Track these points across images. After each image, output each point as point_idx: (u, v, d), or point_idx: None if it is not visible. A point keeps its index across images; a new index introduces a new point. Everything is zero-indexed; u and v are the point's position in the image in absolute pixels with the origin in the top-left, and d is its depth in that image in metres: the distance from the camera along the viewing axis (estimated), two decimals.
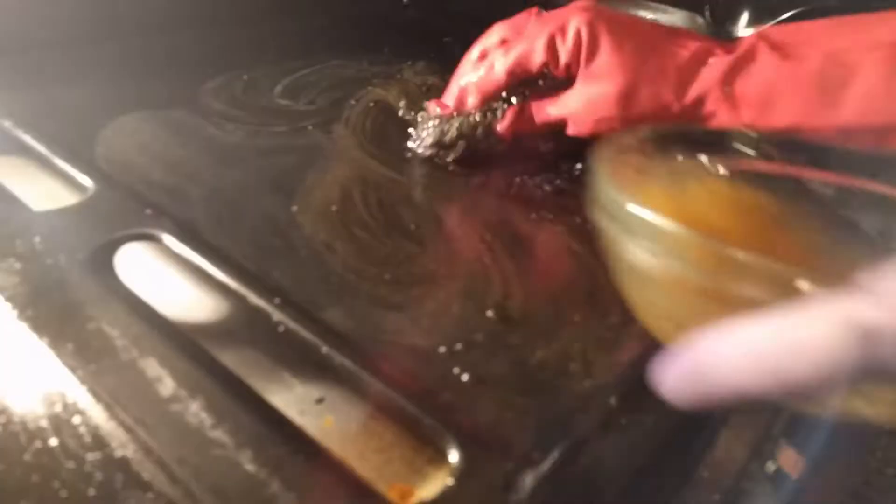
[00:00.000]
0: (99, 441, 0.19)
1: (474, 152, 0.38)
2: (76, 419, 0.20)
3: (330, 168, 0.37)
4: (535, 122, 0.38)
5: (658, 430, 0.21)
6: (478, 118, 0.38)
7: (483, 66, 0.38)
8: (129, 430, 0.19)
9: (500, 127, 0.38)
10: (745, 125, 0.32)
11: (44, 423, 0.20)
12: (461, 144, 0.38)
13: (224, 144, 0.38)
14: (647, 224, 0.18)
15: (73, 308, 0.24)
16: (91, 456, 0.19)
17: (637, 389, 0.23)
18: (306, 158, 0.38)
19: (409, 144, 0.39)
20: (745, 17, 0.53)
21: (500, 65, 0.37)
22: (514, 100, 0.38)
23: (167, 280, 0.28)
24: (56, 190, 0.33)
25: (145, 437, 0.19)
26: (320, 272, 0.28)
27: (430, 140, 0.38)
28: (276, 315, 0.25)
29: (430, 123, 0.38)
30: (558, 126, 0.37)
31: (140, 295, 0.25)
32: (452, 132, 0.38)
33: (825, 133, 0.31)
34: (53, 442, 0.19)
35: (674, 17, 0.58)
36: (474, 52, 0.39)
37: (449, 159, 0.38)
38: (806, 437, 0.28)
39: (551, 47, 0.35)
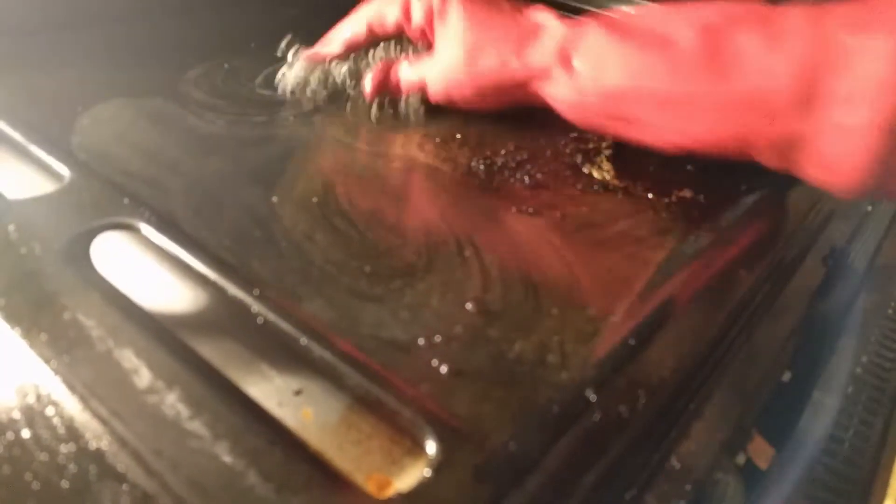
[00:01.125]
0: (73, 433, 0.19)
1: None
2: (49, 410, 0.20)
3: (311, 159, 0.37)
4: (398, 85, 0.40)
5: (632, 421, 0.22)
6: (341, 70, 0.42)
7: (348, 19, 0.41)
8: (104, 421, 0.19)
9: (365, 84, 0.41)
10: (580, 87, 0.35)
11: (16, 415, 0.19)
12: (320, 90, 0.42)
13: (204, 134, 0.38)
14: None
15: (48, 298, 0.23)
16: (65, 448, 0.19)
17: (613, 381, 0.23)
18: (287, 149, 0.38)
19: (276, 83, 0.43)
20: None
21: (362, 16, 0.41)
22: (376, 56, 0.41)
23: (144, 270, 0.28)
24: (31, 178, 0.32)
25: (120, 428, 0.19)
26: (300, 264, 0.28)
27: (291, 81, 0.42)
28: (255, 306, 0.25)
29: (296, 66, 0.42)
30: (419, 90, 0.40)
31: (117, 285, 0.25)
32: (315, 77, 0.42)
33: (643, 97, 0.34)
34: (26, 433, 0.19)
35: None
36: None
37: (307, 102, 0.42)
38: (777, 428, 0.28)
39: (406, 8, 0.39)
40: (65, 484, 0.18)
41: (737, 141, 0.33)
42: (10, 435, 0.19)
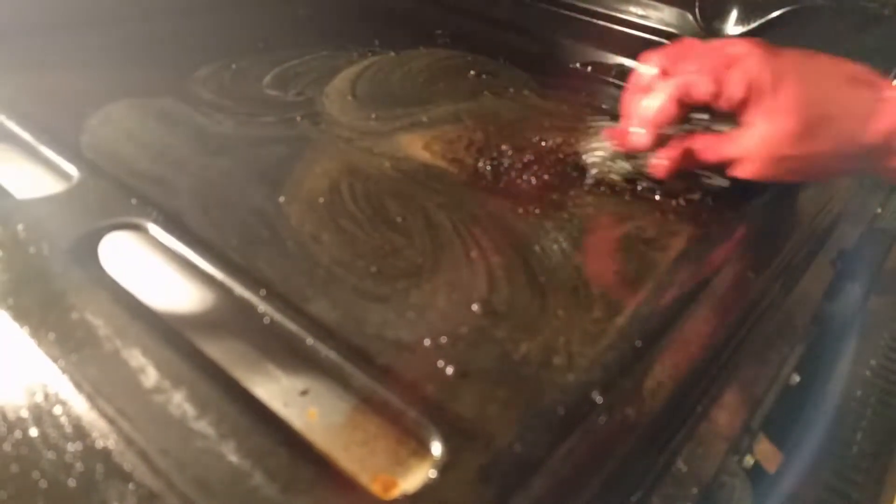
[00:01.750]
0: (80, 431, 0.19)
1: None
2: (57, 409, 0.20)
3: (318, 159, 0.37)
4: (701, 160, 0.36)
5: (638, 423, 0.22)
6: (645, 159, 0.37)
7: (649, 97, 0.36)
8: (110, 420, 0.19)
9: (662, 166, 0.36)
10: None
11: (24, 413, 0.19)
12: (622, 178, 0.37)
13: (212, 134, 0.38)
14: None
15: (56, 297, 0.24)
16: (72, 446, 0.19)
17: (619, 383, 0.23)
18: (294, 149, 0.38)
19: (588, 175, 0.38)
20: (733, 15, 0.54)
21: (666, 92, 0.35)
22: (671, 133, 0.36)
23: (152, 270, 0.28)
24: (40, 178, 0.33)
25: (127, 427, 0.19)
26: (306, 264, 0.28)
27: (595, 171, 0.37)
28: (262, 306, 0.25)
29: (600, 154, 0.38)
30: (723, 166, 0.36)
31: (124, 285, 0.25)
32: (618, 169, 0.37)
33: None
34: (34, 432, 0.19)
35: (663, 14, 0.58)
36: (636, 84, 0.37)
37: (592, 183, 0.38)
38: (783, 431, 0.28)
39: (719, 79, 0.34)
40: (72, 482, 0.18)
41: None
42: (18, 433, 0.19)
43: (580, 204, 0.35)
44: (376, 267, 0.28)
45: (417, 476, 0.20)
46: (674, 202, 0.36)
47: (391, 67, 0.52)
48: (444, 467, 0.19)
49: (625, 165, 0.37)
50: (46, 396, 0.20)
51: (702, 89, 0.34)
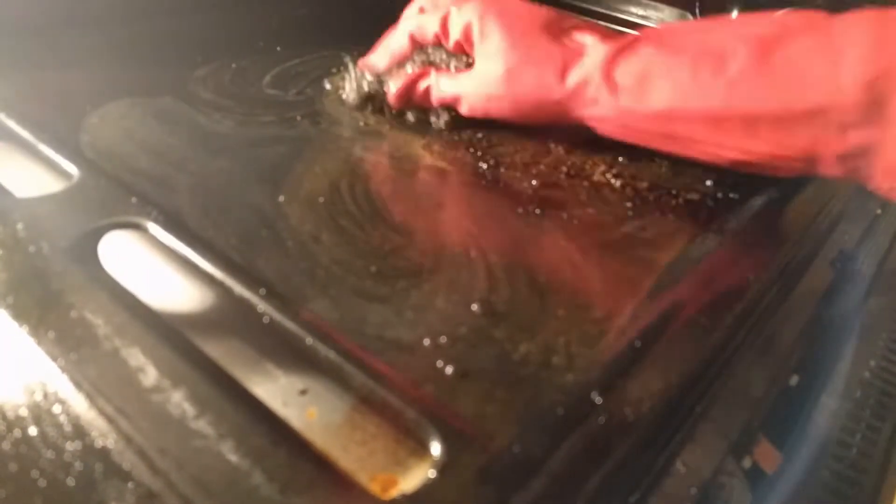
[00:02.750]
0: (79, 430, 0.19)
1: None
2: (56, 408, 0.20)
3: (318, 159, 0.37)
4: (429, 98, 0.40)
5: (637, 424, 0.22)
6: (382, 80, 0.41)
7: (393, 31, 0.41)
8: (110, 419, 0.19)
9: (391, 93, 0.40)
10: (624, 109, 0.34)
11: (23, 412, 0.19)
12: (376, 100, 0.42)
13: (212, 134, 0.38)
14: None
15: (56, 296, 0.24)
16: (71, 446, 0.19)
17: (618, 384, 0.23)
18: (294, 149, 0.38)
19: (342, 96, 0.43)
20: (734, 16, 0.54)
21: (405, 27, 0.40)
22: (411, 68, 0.41)
23: (152, 269, 0.28)
24: (40, 176, 0.33)
25: (126, 427, 0.19)
26: (306, 263, 0.28)
27: (351, 94, 0.42)
28: (261, 306, 0.25)
29: (349, 77, 0.42)
30: (452, 104, 0.39)
31: (124, 284, 0.25)
32: (364, 88, 0.42)
33: (693, 118, 0.33)
34: (33, 431, 0.19)
35: (663, 14, 0.58)
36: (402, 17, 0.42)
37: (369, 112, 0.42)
38: (782, 432, 0.28)
39: (444, 22, 0.38)
40: (71, 482, 0.18)
41: (803, 155, 0.31)
42: (17, 432, 0.19)
43: (580, 204, 0.35)
44: (376, 267, 0.28)
45: (416, 476, 0.20)
46: (673, 202, 0.36)
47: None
48: (444, 467, 0.19)
49: (365, 87, 0.42)
50: (45, 395, 0.20)
51: (429, 28, 0.39)
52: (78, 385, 0.20)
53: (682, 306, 0.28)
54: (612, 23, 0.61)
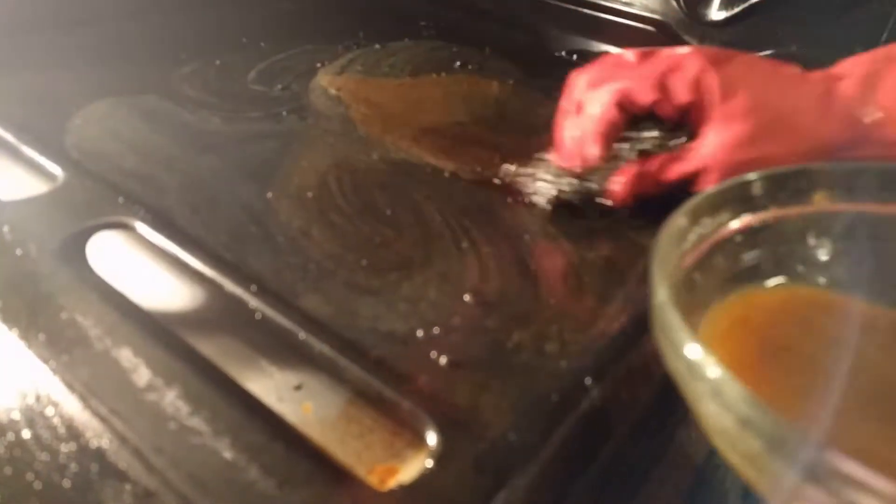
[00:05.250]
0: (73, 432, 0.19)
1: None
2: (49, 410, 0.20)
3: (305, 154, 0.37)
4: (660, 182, 0.34)
5: (631, 408, 0.22)
6: (597, 180, 0.34)
7: (587, 107, 0.34)
8: (103, 420, 0.19)
9: (617, 191, 0.33)
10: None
11: (16, 416, 0.19)
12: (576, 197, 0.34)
13: (198, 131, 0.38)
14: (714, 383, 0.16)
15: (45, 298, 0.23)
16: (65, 447, 0.19)
17: (612, 370, 0.23)
18: (281, 145, 0.38)
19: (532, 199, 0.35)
20: (716, 1, 0.54)
21: (604, 99, 0.33)
22: (625, 155, 0.34)
23: (141, 269, 0.28)
24: (25, 179, 0.32)
25: (121, 426, 0.19)
26: (297, 259, 0.28)
27: (547, 195, 0.34)
28: (253, 302, 0.25)
29: (549, 176, 0.34)
30: (685, 182, 0.33)
31: (113, 284, 0.25)
32: (572, 189, 0.34)
33: None
34: (26, 434, 0.19)
35: (647, 1, 0.58)
36: (568, 104, 0.35)
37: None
38: None
39: (663, 85, 0.32)
40: (66, 483, 0.18)
41: None
42: (10, 436, 0.19)
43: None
44: (367, 260, 0.28)
45: (413, 466, 0.20)
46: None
47: (376, 60, 0.52)
48: (440, 457, 0.19)
49: (573, 183, 0.34)
50: (38, 398, 0.20)
51: (643, 94, 0.32)
52: (70, 386, 0.20)
53: None
54: (595, 10, 0.61)
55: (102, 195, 0.30)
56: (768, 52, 0.51)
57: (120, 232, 0.28)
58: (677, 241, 0.21)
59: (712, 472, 0.24)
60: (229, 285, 0.25)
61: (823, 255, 0.24)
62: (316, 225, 0.30)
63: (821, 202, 0.23)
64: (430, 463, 0.19)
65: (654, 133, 0.34)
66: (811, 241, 0.24)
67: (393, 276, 0.27)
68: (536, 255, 0.30)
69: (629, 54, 0.34)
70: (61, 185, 0.30)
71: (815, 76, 0.32)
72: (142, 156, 0.34)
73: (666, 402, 0.23)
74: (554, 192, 0.34)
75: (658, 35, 0.57)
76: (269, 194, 0.32)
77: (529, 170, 0.35)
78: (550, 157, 0.35)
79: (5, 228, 0.27)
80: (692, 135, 0.33)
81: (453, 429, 0.20)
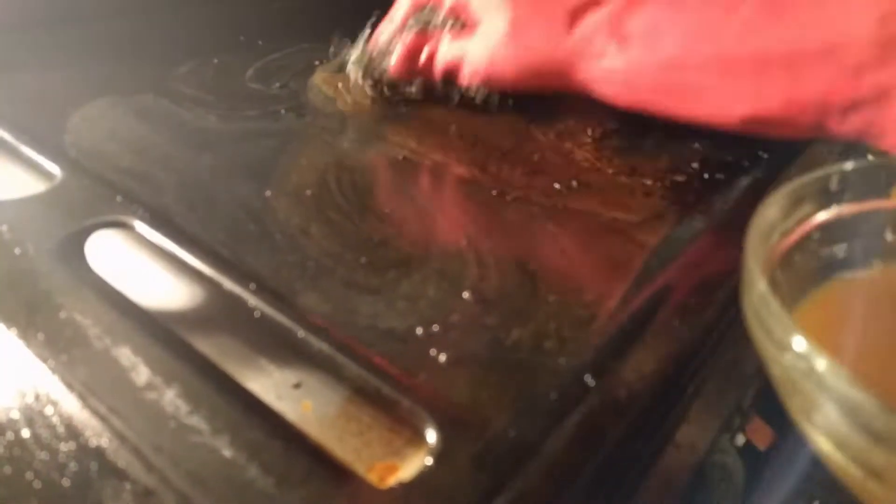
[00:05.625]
0: (72, 431, 0.19)
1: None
2: (48, 410, 0.19)
3: (303, 152, 0.37)
4: (431, 67, 0.38)
5: (631, 405, 0.22)
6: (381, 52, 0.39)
7: None
8: (103, 419, 0.19)
9: (393, 64, 0.38)
10: (635, 60, 0.33)
11: (15, 415, 0.19)
12: (378, 76, 0.39)
13: (195, 130, 0.38)
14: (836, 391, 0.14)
15: (43, 298, 0.23)
16: (65, 446, 0.19)
17: (611, 366, 0.23)
18: (279, 143, 0.38)
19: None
20: None
21: None
22: (410, 28, 0.39)
23: (140, 268, 0.28)
24: (22, 178, 0.32)
25: (120, 425, 0.19)
26: (295, 257, 0.28)
27: (355, 70, 0.40)
28: (252, 301, 0.25)
29: (356, 52, 0.40)
30: (454, 72, 0.38)
31: (112, 283, 0.25)
32: (372, 67, 0.39)
33: (706, 63, 0.32)
34: (26, 433, 0.19)
35: None
36: None
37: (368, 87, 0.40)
38: (775, 409, 0.28)
39: None
40: (66, 482, 0.18)
41: (814, 104, 0.30)
42: (9, 435, 0.19)
43: (567, 190, 0.35)
44: (366, 258, 0.28)
45: (413, 464, 0.20)
46: (660, 184, 0.36)
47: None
48: (440, 454, 0.19)
49: (369, 59, 0.39)
50: (37, 397, 0.20)
51: None
52: (69, 386, 0.20)
53: (672, 287, 0.28)
54: None
55: (100, 194, 0.30)
56: None
57: (118, 231, 0.28)
58: (768, 233, 0.21)
59: (712, 468, 0.24)
60: (228, 283, 0.25)
61: None
62: (314, 223, 0.30)
63: None
64: (429, 460, 0.19)
65: (441, 20, 0.38)
66: (888, 236, 0.23)
67: (392, 273, 0.27)
68: (536, 253, 0.30)
69: None
70: (59, 184, 0.30)
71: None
72: (140, 154, 0.34)
73: (665, 399, 0.23)
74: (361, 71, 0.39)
75: None
76: (268, 192, 0.32)
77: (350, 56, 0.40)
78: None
79: (3, 228, 0.27)
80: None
81: (453, 426, 0.20)
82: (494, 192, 0.34)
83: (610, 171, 0.37)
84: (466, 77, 0.37)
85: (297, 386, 0.23)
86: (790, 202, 0.22)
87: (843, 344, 0.20)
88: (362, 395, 0.22)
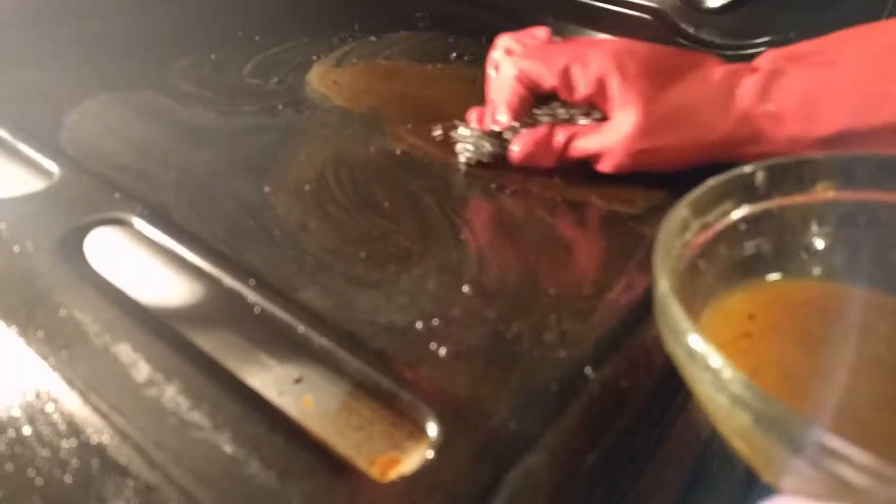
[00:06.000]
0: (74, 428, 0.19)
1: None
2: (49, 407, 0.20)
3: (302, 147, 0.37)
4: (560, 153, 0.35)
5: (631, 396, 0.22)
6: (506, 136, 0.36)
7: (499, 76, 0.36)
8: (104, 415, 0.19)
9: (515, 151, 0.35)
10: (791, 139, 0.31)
11: (16, 413, 0.19)
12: (494, 157, 0.36)
13: (193, 126, 0.38)
14: (713, 370, 0.16)
15: (43, 295, 0.23)
16: (66, 443, 0.19)
17: (611, 358, 0.23)
18: (278, 138, 0.37)
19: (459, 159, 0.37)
20: None
21: (509, 71, 0.35)
22: (538, 120, 0.36)
23: (139, 264, 0.28)
24: (21, 176, 0.32)
25: (121, 422, 0.19)
26: (295, 252, 0.28)
27: (467, 156, 0.36)
28: (252, 297, 0.25)
29: (468, 137, 0.36)
30: (587, 160, 0.35)
31: (111, 280, 0.25)
32: (486, 148, 0.36)
33: (877, 135, 0.29)
34: (27, 430, 0.19)
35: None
36: (489, 65, 0.38)
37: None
38: None
39: (565, 76, 0.34)
40: (68, 479, 0.18)
41: None
42: (11, 432, 0.19)
43: (566, 182, 0.35)
44: (365, 253, 0.28)
45: (414, 458, 0.20)
46: (658, 175, 0.36)
47: (372, 52, 0.52)
48: (441, 448, 0.19)
49: (488, 146, 0.36)
50: (38, 394, 0.20)
51: (545, 79, 0.34)
52: (70, 383, 0.20)
53: None
54: None
55: (99, 191, 0.30)
56: (765, 39, 0.51)
57: (117, 228, 0.28)
58: (679, 232, 0.21)
59: (710, 458, 0.24)
60: (228, 280, 0.25)
61: (825, 244, 0.24)
62: (314, 218, 0.30)
63: (823, 191, 0.24)
64: (430, 454, 0.19)
65: (569, 108, 0.36)
66: (814, 229, 0.24)
67: (391, 268, 0.27)
68: (535, 246, 0.30)
69: (547, 35, 0.37)
70: (58, 182, 0.30)
71: (718, 71, 0.33)
72: (138, 151, 0.34)
73: (666, 389, 0.23)
74: (471, 152, 0.36)
75: (654, 23, 0.57)
76: (267, 188, 0.32)
77: (456, 132, 0.37)
78: (473, 119, 0.37)
79: (2, 226, 0.27)
80: (604, 117, 0.35)
81: (454, 419, 0.20)
82: (494, 186, 0.34)
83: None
84: (606, 167, 0.35)
85: (297, 381, 0.23)
86: (712, 198, 0.22)
87: (741, 341, 0.21)
88: (363, 389, 0.22)
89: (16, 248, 0.25)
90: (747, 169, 0.23)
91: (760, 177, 0.23)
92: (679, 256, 0.21)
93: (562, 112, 0.36)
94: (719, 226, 0.23)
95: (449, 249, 0.29)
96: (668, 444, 0.22)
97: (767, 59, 0.33)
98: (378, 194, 0.33)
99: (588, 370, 0.22)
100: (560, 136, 0.35)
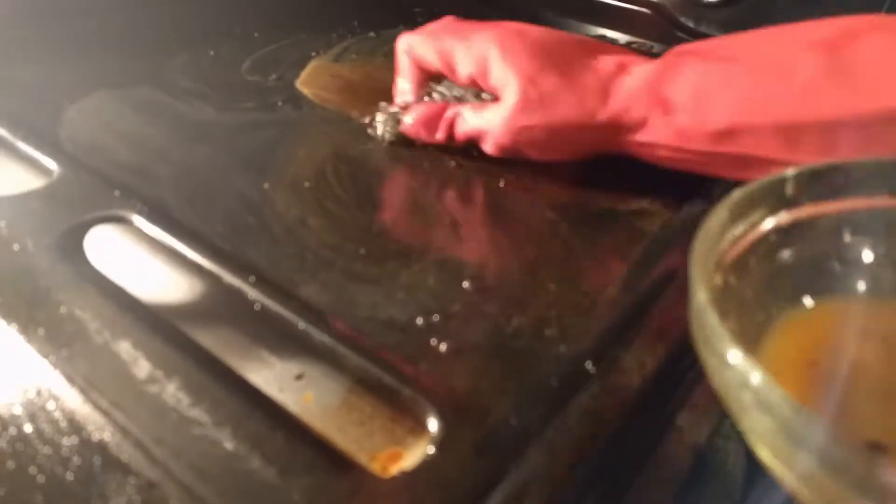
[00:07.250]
0: (75, 425, 0.19)
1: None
2: (50, 405, 0.20)
3: (301, 143, 0.37)
4: (449, 133, 0.36)
5: (633, 390, 0.22)
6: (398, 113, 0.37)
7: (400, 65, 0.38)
8: (105, 413, 0.19)
9: (407, 122, 0.37)
10: (680, 130, 0.31)
11: (17, 410, 0.19)
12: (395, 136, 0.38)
13: (192, 122, 0.38)
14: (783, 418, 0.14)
15: (43, 293, 0.23)
16: (67, 441, 0.19)
17: (611, 353, 0.23)
18: (277, 135, 0.37)
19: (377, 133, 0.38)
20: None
21: (400, 46, 0.37)
22: (431, 97, 0.37)
23: (139, 262, 0.28)
24: (20, 174, 0.32)
25: (122, 419, 0.19)
26: (295, 249, 0.28)
27: (382, 130, 0.37)
28: (252, 293, 0.25)
29: (386, 114, 0.38)
30: (475, 140, 0.36)
31: (111, 278, 0.25)
32: (397, 125, 0.37)
33: (763, 131, 0.29)
34: (28, 428, 0.19)
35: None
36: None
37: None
38: None
39: (446, 58, 0.35)
40: (69, 476, 0.18)
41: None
42: (12, 430, 0.19)
43: (565, 176, 0.35)
44: (365, 249, 0.28)
45: (415, 453, 0.20)
46: (658, 170, 0.36)
47: (371, 48, 0.52)
48: (442, 443, 0.19)
49: (397, 123, 0.37)
50: (39, 392, 0.20)
51: (429, 58, 0.35)
52: (71, 380, 0.20)
53: (672, 273, 0.28)
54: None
55: (98, 189, 0.29)
56: None
57: (117, 225, 0.28)
58: (715, 241, 0.20)
59: (713, 453, 0.24)
60: (227, 276, 0.25)
61: (860, 253, 0.23)
62: (313, 214, 0.30)
63: (856, 199, 0.22)
64: (431, 449, 0.19)
65: (467, 87, 0.36)
66: (847, 238, 0.23)
67: (391, 264, 0.27)
68: (535, 241, 0.29)
69: (453, 22, 0.38)
70: (57, 180, 0.30)
71: (616, 59, 0.33)
72: (137, 148, 0.34)
73: (666, 384, 0.23)
74: (387, 128, 0.37)
75: (654, 17, 0.57)
76: (266, 185, 0.32)
77: (379, 110, 0.38)
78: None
79: (2, 224, 0.26)
80: (494, 98, 0.35)
81: (454, 415, 0.20)
82: (493, 181, 0.34)
83: (609, 158, 0.37)
84: (489, 147, 0.35)
85: (298, 377, 0.23)
86: (742, 207, 0.21)
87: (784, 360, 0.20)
88: (364, 385, 0.23)
89: (16, 247, 0.25)
90: (779, 176, 0.22)
91: (791, 183, 0.22)
92: (715, 267, 0.20)
93: (457, 91, 0.37)
94: (752, 235, 0.21)
95: (449, 245, 0.29)
96: (669, 440, 0.22)
97: (672, 52, 0.33)
98: (377, 190, 0.32)
99: (589, 365, 0.22)
100: (449, 114, 0.36)
